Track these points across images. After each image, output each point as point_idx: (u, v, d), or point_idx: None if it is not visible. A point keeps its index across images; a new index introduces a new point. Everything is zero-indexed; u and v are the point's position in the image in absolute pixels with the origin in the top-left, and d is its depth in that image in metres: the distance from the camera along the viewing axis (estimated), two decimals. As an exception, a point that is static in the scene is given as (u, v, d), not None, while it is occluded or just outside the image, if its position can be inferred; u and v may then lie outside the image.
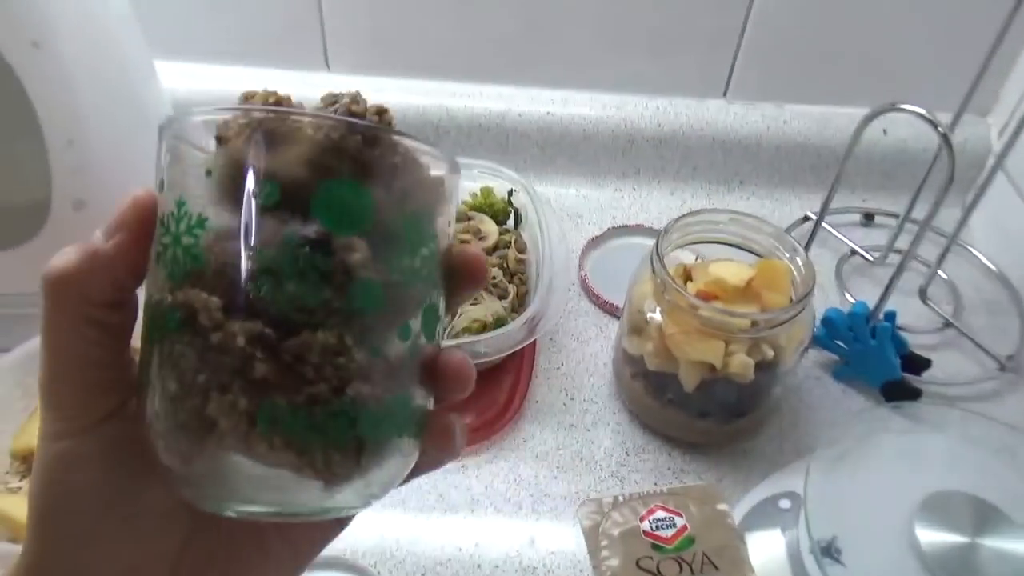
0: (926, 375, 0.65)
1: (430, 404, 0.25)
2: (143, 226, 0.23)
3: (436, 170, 0.24)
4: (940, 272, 0.73)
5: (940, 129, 0.53)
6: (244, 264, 0.21)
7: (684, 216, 0.57)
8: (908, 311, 0.71)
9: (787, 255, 0.57)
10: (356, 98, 0.24)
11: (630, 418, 0.61)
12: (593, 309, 0.70)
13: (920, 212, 0.80)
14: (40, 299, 0.23)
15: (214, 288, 0.21)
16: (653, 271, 0.55)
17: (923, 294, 0.70)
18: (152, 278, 0.23)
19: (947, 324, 0.69)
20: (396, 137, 0.22)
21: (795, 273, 0.56)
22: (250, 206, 0.21)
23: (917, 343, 0.67)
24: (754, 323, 0.52)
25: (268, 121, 0.22)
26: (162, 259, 0.23)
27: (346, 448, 0.22)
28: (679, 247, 0.59)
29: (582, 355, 0.66)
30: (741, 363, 0.53)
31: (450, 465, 0.27)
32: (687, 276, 0.59)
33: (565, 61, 0.79)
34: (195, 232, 0.22)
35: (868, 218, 0.81)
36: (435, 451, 0.25)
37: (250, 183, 0.21)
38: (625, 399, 0.62)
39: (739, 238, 0.59)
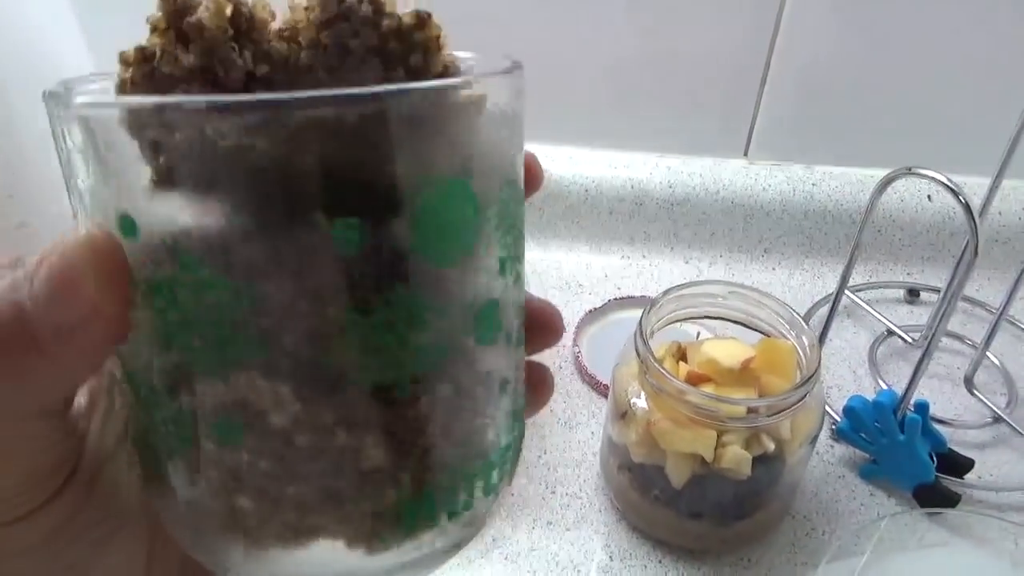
0: (969, 478, 0.62)
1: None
2: (112, 288, 0.18)
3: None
4: (991, 356, 0.71)
5: (961, 198, 0.52)
6: (318, 323, 0.17)
7: (676, 288, 0.57)
8: (953, 402, 0.69)
9: (792, 334, 0.56)
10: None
11: (617, 517, 0.60)
12: (586, 390, 0.70)
13: (976, 289, 0.79)
14: None
15: (273, 368, 0.17)
16: (636, 351, 0.54)
17: (969, 383, 0.68)
18: (143, 354, 0.19)
19: (997, 418, 0.67)
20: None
21: (801, 355, 0.55)
22: (311, 239, 0.16)
23: (960, 439, 0.65)
24: (750, 411, 0.52)
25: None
26: (162, 331, 0.18)
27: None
28: (673, 323, 0.59)
29: (568, 442, 0.65)
30: (735, 456, 0.52)
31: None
32: (681, 355, 0.58)
33: (567, 115, 0.81)
34: (219, 284, 0.17)
35: (912, 294, 0.79)
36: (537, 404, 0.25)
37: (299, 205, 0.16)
38: (612, 495, 0.61)
39: (742, 314, 0.59)
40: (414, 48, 0.18)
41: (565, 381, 0.70)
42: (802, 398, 0.52)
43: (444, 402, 0.19)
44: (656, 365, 0.52)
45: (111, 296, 0.18)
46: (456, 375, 0.20)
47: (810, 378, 0.51)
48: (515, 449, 0.24)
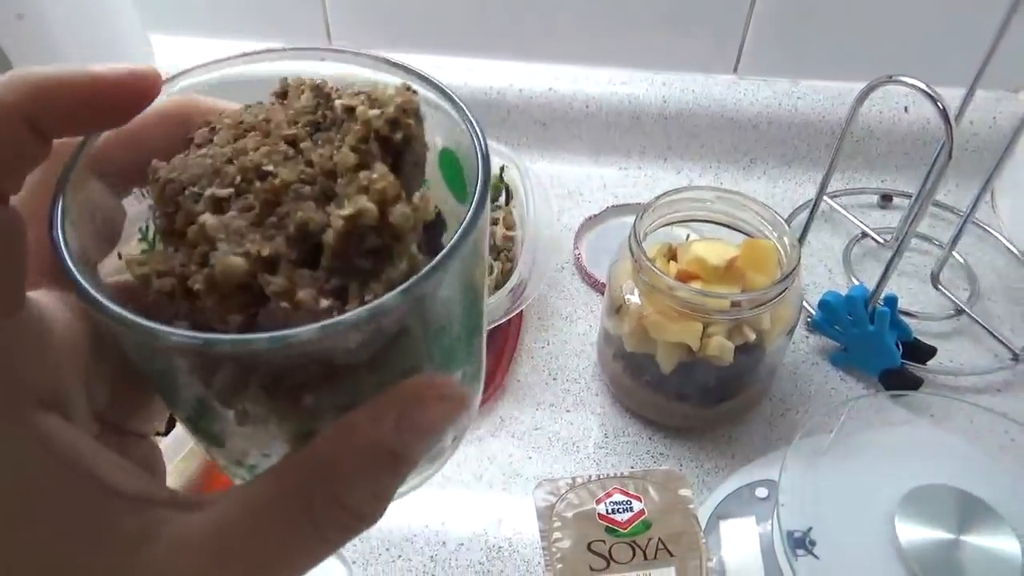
0: (932, 364, 0.61)
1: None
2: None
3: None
4: (956, 256, 0.70)
5: (939, 104, 0.49)
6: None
7: (667, 193, 0.55)
8: (919, 297, 0.68)
9: (775, 234, 0.54)
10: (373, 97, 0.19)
11: (612, 400, 0.60)
12: (585, 289, 0.68)
13: (943, 194, 0.76)
14: None
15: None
16: (630, 251, 0.53)
17: (935, 279, 0.67)
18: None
19: (959, 311, 0.65)
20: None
21: (781, 253, 0.53)
22: None
23: (925, 330, 0.64)
24: (734, 304, 0.50)
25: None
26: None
27: None
28: (664, 226, 0.57)
29: (569, 334, 0.65)
30: (719, 345, 0.51)
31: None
32: (672, 255, 0.57)
33: (569, 35, 0.77)
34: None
35: (885, 200, 0.77)
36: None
37: None
38: (607, 381, 0.60)
39: (727, 217, 0.57)
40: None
41: (566, 280, 0.69)
42: (782, 293, 0.50)
43: None
44: (648, 263, 0.51)
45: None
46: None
47: (790, 274, 0.50)
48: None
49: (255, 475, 0.18)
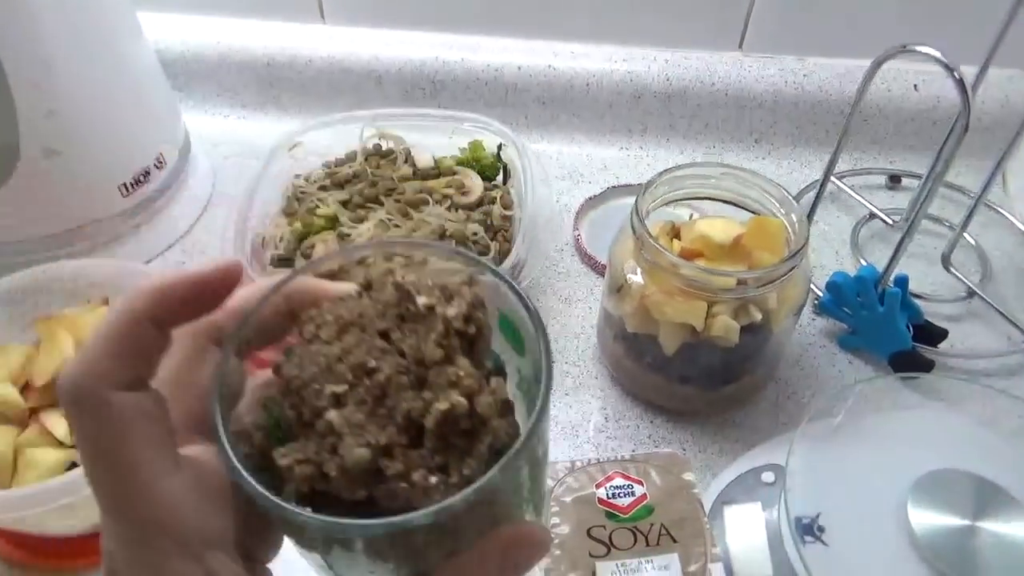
0: (943, 347, 0.59)
1: None
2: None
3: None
4: (968, 237, 0.68)
5: (956, 74, 0.47)
6: None
7: (671, 170, 0.53)
8: (929, 279, 0.66)
9: (782, 212, 0.52)
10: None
11: (612, 384, 0.58)
12: (584, 270, 0.66)
13: (954, 175, 0.74)
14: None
15: None
16: (633, 228, 0.51)
17: (946, 260, 0.65)
18: None
19: (971, 293, 0.63)
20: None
21: (789, 231, 0.51)
22: None
23: (936, 312, 0.62)
24: (740, 282, 0.48)
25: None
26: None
27: None
28: (667, 203, 0.55)
29: (568, 317, 0.63)
30: (724, 325, 0.49)
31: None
32: (675, 234, 0.55)
33: (568, 12, 0.75)
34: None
35: (894, 180, 0.75)
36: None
37: None
38: (608, 363, 0.58)
39: (733, 194, 0.55)
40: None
41: (566, 262, 0.67)
42: (790, 270, 0.48)
43: None
44: (651, 240, 0.49)
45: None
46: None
47: (798, 251, 0.48)
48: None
49: None
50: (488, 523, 0.22)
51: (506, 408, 0.22)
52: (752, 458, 0.52)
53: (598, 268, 0.66)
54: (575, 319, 0.62)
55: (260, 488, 0.20)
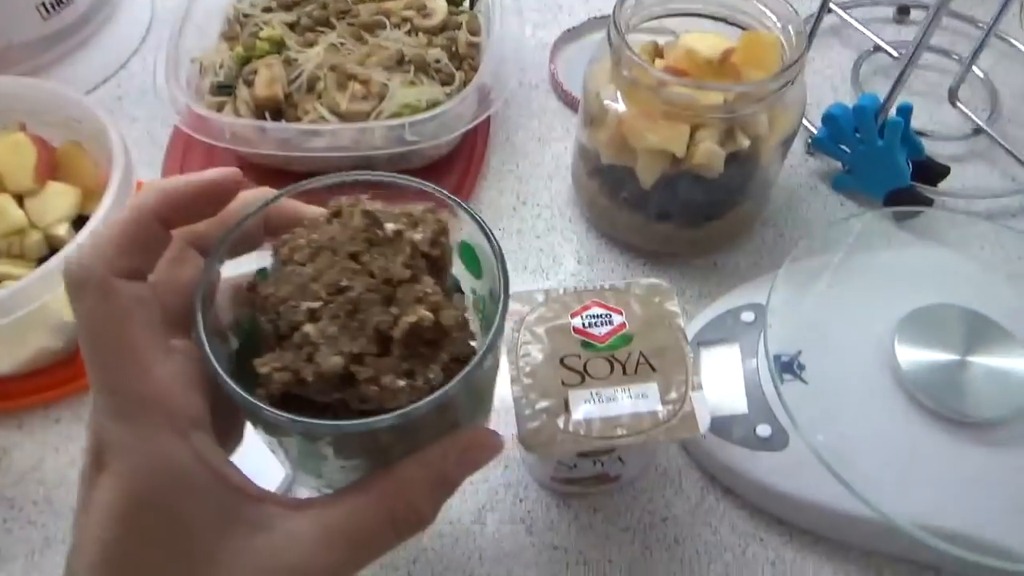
0: (943, 186, 0.55)
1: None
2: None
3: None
4: (977, 71, 0.62)
5: None
6: None
7: (656, -24, 0.47)
8: (934, 116, 0.61)
9: (778, 26, 0.46)
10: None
11: (587, 227, 0.54)
12: (561, 108, 0.61)
13: (967, 5, 0.68)
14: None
15: None
16: (610, 42, 0.45)
17: (953, 95, 0.59)
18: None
19: (977, 130, 0.59)
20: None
21: (786, 48, 0.46)
22: None
23: (939, 151, 0.57)
24: (727, 100, 0.43)
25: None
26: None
27: None
28: (650, 19, 0.49)
29: (541, 156, 0.58)
30: (708, 152, 0.44)
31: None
32: (658, 54, 0.49)
33: None
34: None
35: (902, 12, 0.68)
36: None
37: None
38: (582, 203, 0.54)
39: (725, 9, 0.49)
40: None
41: (540, 99, 0.61)
42: (783, 86, 0.43)
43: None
44: (631, 54, 0.43)
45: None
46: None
47: (794, 63, 0.43)
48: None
49: (329, 485, 0.28)
50: (446, 425, 0.26)
51: (464, 322, 0.25)
52: (732, 298, 0.48)
53: (575, 105, 0.60)
54: (549, 159, 0.57)
55: (241, 392, 0.23)
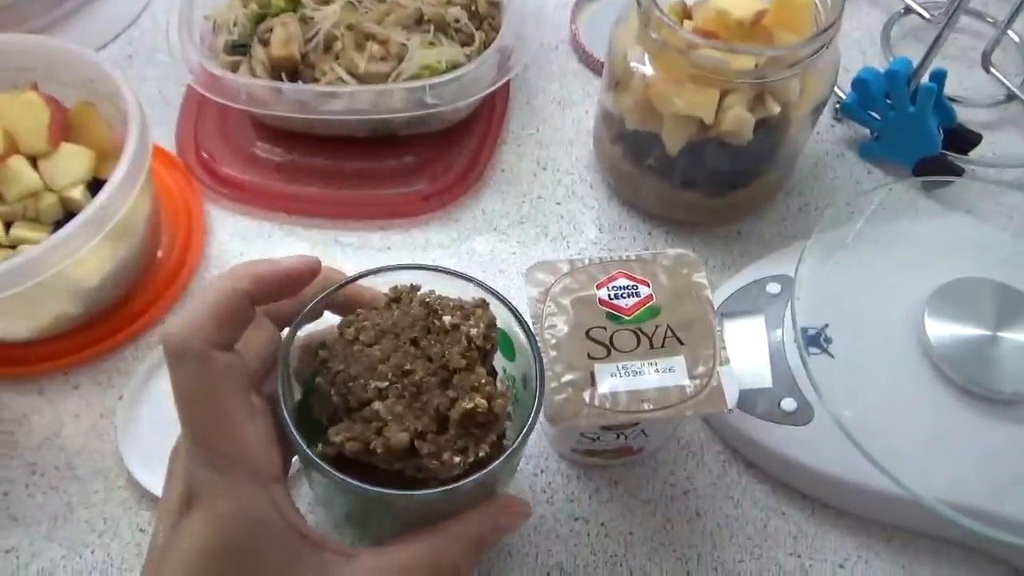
0: (974, 155, 0.54)
1: None
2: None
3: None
4: (1012, 35, 0.60)
5: None
6: None
7: (686, -68, 0.45)
8: (966, 82, 0.59)
9: (813, -14, 0.44)
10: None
11: (608, 193, 0.53)
12: (582, 70, 0.59)
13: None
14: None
15: None
16: (639, 3, 0.43)
17: (986, 59, 0.57)
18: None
19: (1010, 96, 0.57)
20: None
21: (820, 10, 0.44)
22: None
23: (970, 119, 0.55)
24: (759, 64, 0.42)
25: None
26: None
27: None
28: (680, -22, 0.47)
29: (562, 120, 0.56)
30: (737, 118, 0.43)
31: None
32: (686, 15, 0.47)
33: None
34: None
35: (935, -28, 0.65)
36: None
37: None
38: (604, 169, 0.53)
39: (757, -32, 0.47)
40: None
41: (561, 61, 0.60)
42: (818, 50, 0.42)
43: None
44: (660, 14, 0.42)
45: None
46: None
47: (830, 26, 0.41)
48: None
49: (365, 535, 0.35)
50: (484, 492, 0.30)
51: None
52: (758, 269, 0.47)
53: (596, 67, 0.59)
54: (569, 123, 0.56)
55: (323, 464, 0.27)
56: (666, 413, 0.35)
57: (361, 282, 0.31)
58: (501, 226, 0.51)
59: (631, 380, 0.35)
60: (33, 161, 0.44)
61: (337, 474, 0.26)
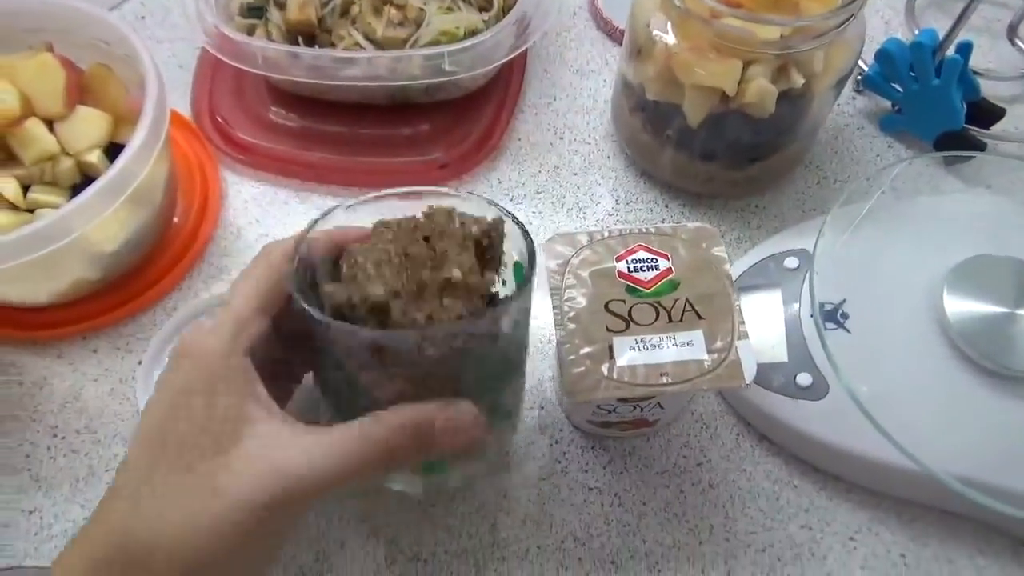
0: (995, 129, 0.53)
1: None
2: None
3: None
4: (1040, 6, 0.59)
5: None
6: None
7: None
8: (990, 55, 0.58)
9: (842, -46, 0.43)
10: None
11: (626, 163, 0.52)
12: (600, 37, 0.58)
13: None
14: None
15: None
16: (663, -31, 0.43)
17: (1012, 32, 0.56)
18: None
19: (1036, 70, 0.56)
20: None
21: (848, -22, 0.43)
22: None
23: (993, 93, 0.55)
24: (784, 35, 0.41)
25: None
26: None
27: None
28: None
29: (580, 89, 0.56)
30: (760, 90, 0.42)
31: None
32: (710, -17, 0.46)
33: None
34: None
35: (962, -60, 0.64)
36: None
37: None
38: (622, 140, 0.52)
39: (783, -66, 0.46)
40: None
41: (579, 28, 0.59)
42: (846, 21, 0.41)
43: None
44: (684, -18, 0.41)
45: None
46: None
47: (858, -2, 0.40)
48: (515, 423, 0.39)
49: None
50: (448, 383, 0.30)
51: (488, 296, 0.31)
52: (775, 243, 0.47)
53: (615, 35, 0.58)
54: (587, 92, 0.55)
55: (309, 308, 0.28)
56: (684, 387, 0.35)
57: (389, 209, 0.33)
58: (517, 196, 0.51)
59: (649, 354, 0.35)
60: (49, 124, 0.44)
61: (306, 306, 0.28)
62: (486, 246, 0.31)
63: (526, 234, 0.31)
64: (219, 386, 0.28)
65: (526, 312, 0.32)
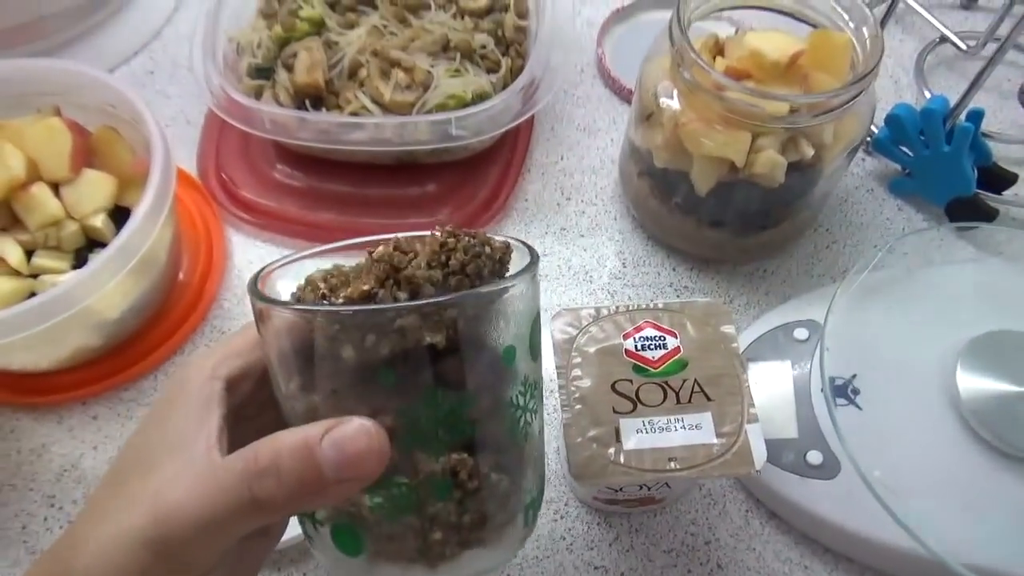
0: (1009, 194, 0.53)
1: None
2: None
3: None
4: (1051, 68, 0.59)
5: None
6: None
7: (721, -32, 0.44)
8: (999, 116, 0.58)
9: (851, 26, 0.43)
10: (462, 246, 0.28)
11: (633, 225, 0.52)
12: (608, 96, 0.58)
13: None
14: None
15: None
16: (671, 40, 0.43)
17: (1023, 94, 0.56)
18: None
19: (1047, 134, 0.56)
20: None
21: (858, 50, 0.43)
22: None
23: (1004, 155, 0.54)
24: (793, 109, 0.41)
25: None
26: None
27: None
28: (713, 12, 0.46)
29: (587, 148, 0.56)
30: (769, 161, 0.42)
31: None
32: (718, 51, 0.47)
33: None
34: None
35: (971, -1, 0.64)
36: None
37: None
38: (629, 202, 0.52)
39: (791, 3, 0.46)
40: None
41: (586, 85, 0.59)
42: (855, 96, 0.41)
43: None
44: (693, 55, 0.41)
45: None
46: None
47: (869, 72, 0.40)
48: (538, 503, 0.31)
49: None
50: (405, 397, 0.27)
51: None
52: (784, 312, 0.47)
53: (623, 93, 0.58)
54: (594, 152, 0.55)
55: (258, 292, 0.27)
56: (692, 473, 0.34)
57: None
58: (523, 258, 0.50)
59: (657, 436, 0.35)
60: (55, 187, 0.44)
61: (293, 304, 0.27)
62: (451, 249, 0.28)
63: (523, 243, 0.30)
64: (180, 408, 0.27)
65: (507, 308, 0.28)
